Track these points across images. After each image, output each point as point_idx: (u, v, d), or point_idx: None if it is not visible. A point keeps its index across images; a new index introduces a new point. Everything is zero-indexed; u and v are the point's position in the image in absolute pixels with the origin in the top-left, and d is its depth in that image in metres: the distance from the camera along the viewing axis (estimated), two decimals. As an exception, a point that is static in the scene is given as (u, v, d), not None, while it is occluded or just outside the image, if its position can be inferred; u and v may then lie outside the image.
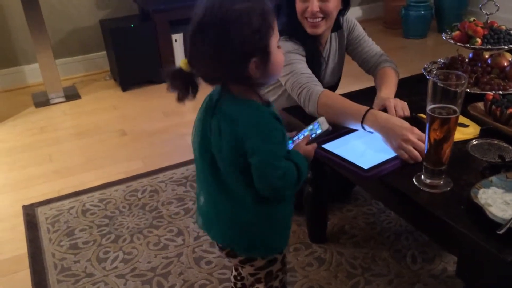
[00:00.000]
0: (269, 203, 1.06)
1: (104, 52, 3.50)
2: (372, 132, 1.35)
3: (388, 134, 1.28)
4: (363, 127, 1.36)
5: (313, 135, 1.13)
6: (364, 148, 1.31)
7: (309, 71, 1.57)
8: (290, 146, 1.13)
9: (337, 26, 1.70)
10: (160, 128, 2.71)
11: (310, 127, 1.16)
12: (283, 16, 1.63)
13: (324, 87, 1.56)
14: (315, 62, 1.64)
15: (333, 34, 1.72)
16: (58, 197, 2.15)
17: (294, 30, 1.60)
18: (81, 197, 2.14)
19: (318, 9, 1.54)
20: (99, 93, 3.30)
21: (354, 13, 4.46)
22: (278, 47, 1.01)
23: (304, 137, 1.14)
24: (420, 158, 1.21)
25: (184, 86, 1.00)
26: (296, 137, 1.17)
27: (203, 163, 1.09)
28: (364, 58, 1.74)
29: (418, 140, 1.23)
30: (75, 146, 2.64)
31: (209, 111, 1.05)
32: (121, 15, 3.45)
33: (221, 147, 1.01)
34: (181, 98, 1.02)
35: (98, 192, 2.16)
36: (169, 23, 3.25)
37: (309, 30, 1.59)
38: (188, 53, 0.99)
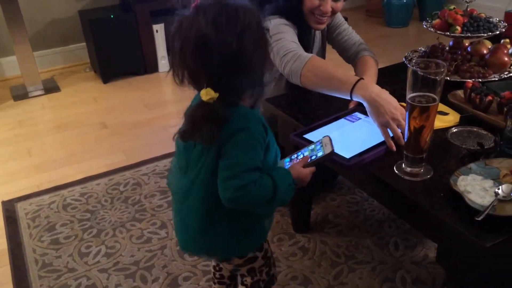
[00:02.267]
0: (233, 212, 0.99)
1: (84, 44, 3.43)
2: (355, 119, 1.34)
3: (378, 108, 1.24)
4: (350, 96, 1.32)
5: (313, 157, 1.04)
6: (345, 138, 1.31)
7: (298, 43, 1.52)
8: (287, 165, 1.06)
9: None
10: (142, 120, 2.68)
11: (312, 146, 1.08)
12: (281, 1, 1.59)
13: None
14: (305, 44, 1.61)
15: None
16: (38, 192, 2.11)
17: (294, 17, 1.57)
18: (61, 191, 2.11)
19: (331, 9, 1.54)
20: (79, 85, 3.25)
21: (336, 2, 4.45)
22: None
23: (303, 158, 1.06)
24: (403, 141, 1.19)
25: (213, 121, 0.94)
26: (295, 155, 1.09)
27: (180, 164, 1.06)
28: (344, 46, 1.74)
29: (402, 121, 1.21)
30: (55, 140, 2.59)
31: None
32: (101, 5, 3.39)
33: (201, 148, 0.98)
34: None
35: (79, 186, 2.13)
36: (150, 13, 3.20)
37: (314, 25, 1.59)
38: (207, 80, 0.92)
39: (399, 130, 1.23)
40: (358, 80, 1.31)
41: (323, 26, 1.62)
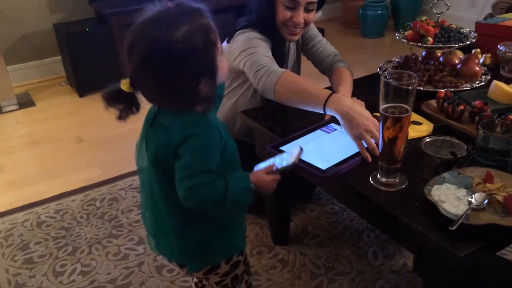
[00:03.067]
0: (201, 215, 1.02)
1: (59, 57, 3.38)
2: (331, 130, 1.35)
3: (351, 121, 1.25)
4: (324, 111, 1.33)
5: (279, 166, 1.05)
6: (320, 149, 1.31)
7: (271, 57, 1.52)
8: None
9: None
10: (119, 134, 2.64)
11: (283, 155, 1.08)
12: (254, 14, 1.60)
13: None
14: (279, 57, 1.61)
15: None
16: (11, 210, 2.06)
17: (267, 30, 1.57)
18: (35, 208, 2.05)
19: (303, 21, 1.55)
20: (54, 99, 3.20)
21: (313, 14, 4.50)
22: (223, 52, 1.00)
23: (268, 166, 1.06)
24: (377, 151, 1.20)
25: (126, 106, 0.98)
26: (264, 164, 1.09)
27: (143, 177, 1.07)
28: (319, 58, 1.75)
29: (376, 132, 1.22)
30: (29, 155, 2.54)
31: (148, 124, 1.03)
32: (76, 18, 3.35)
33: (153, 156, 0.99)
34: (123, 117, 1.00)
35: (54, 203, 2.08)
36: (125, 26, 3.17)
37: (288, 37, 1.59)
38: (130, 77, 0.95)
39: (373, 141, 1.24)
40: (331, 94, 1.32)
41: (297, 38, 1.62)
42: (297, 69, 1.82)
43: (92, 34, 3.11)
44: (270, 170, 1.05)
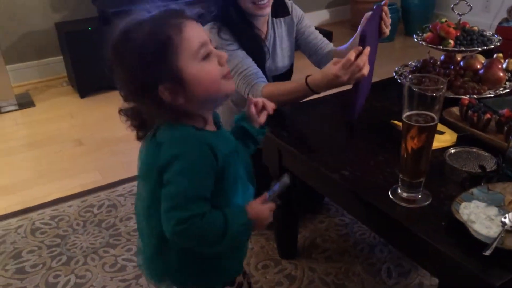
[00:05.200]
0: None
1: (61, 57, 3.30)
2: None
3: (333, 86, 1.35)
4: (312, 91, 1.42)
5: (270, 194, 0.92)
6: None
7: (241, 64, 1.52)
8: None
9: (283, 12, 1.68)
10: (120, 137, 2.54)
11: (275, 186, 0.94)
12: (214, 6, 1.56)
13: (277, 73, 1.68)
14: (257, 49, 1.59)
15: (277, 19, 1.68)
16: (5, 215, 1.96)
17: (230, 19, 1.54)
18: (30, 214, 1.96)
19: None
20: (55, 100, 3.10)
21: (321, 16, 4.41)
22: (207, 55, 0.86)
23: (261, 196, 0.92)
24: (364, 72, 1.28)
25: (140, 124, 0.92)
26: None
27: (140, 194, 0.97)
28: (316, 49, 1.73)
29: (353, 68, 1.28)
30: (27, 158, 2.44)
31: (148, 137, 0.94)
32: (79, 17, 3.26)
33: (141, 172, 0.91)
34: (139, 138, 0.94)
35: (50, 209, 1.99)
36: (129, 25, 3.08)
37: (258, 12, 1.54)
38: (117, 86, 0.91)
39: (356, 74, 1.28)
40: (306, 82, 1.40)
41: (269, 9, 1.55)
42: (289, 56, 1.74)
43: (95, 34, 3.01)
44: (264, 200, 0.91)
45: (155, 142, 0.89)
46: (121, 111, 0.92)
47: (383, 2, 1.44)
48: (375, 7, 1.40)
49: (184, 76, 0.84)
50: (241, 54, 1.53)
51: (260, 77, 1.53)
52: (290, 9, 1.70)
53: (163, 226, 0.83)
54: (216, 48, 0.94)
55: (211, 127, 0.94)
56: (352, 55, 1.27)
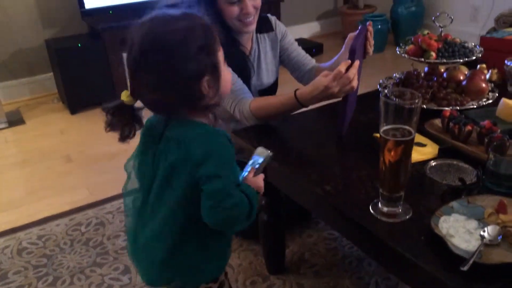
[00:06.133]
0: (202, 236, 0.98)
1: (51, 74, 3.30)
2: None
3: (327, 98, 1.34)
4: (301, 105, 1.41)
5: (257, 166, 1.04)
6: None
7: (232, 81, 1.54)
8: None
9: (267, 28, 1.70)
10: (109, 153, 2.53)
11: (251, 161, 1.06)
12: None
13: (262, 88, 1.69)
14: (242, 66, 1.60)
15: (261, 35, 1.70)
16: (-8, 235, 1.95)
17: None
18: (17, 234, 1.94)
19: (253, 8, 1.52)
20: (45, 117, 3.10)
21: (312, 28, 4.43)
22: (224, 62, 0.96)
23: (250, 170, 1.03)
24: (353, 84, 1.30)
25: (128, 121, 0.93)
26: (242, 174, 1.05)
27: (144, 196, 1.00)
28: (299, 65, 1.74)
29: (343, 80, 1.28)
30: (16, 176, 2.43)
31: (155, 139, 0.96)
32: (69, 34, 3.27)
33: (166, 173, 0.93)
34: (125, 137, 0.95)
35: (37, 228, 1.97)
36: (119, 41, 3.09)
37: (245, 29, 1.56)
38: (130, 84, 0.92)
39: (346, 86, 1.29)
40: (296, 96, 1.39)
41: (254, 26, 1.58)
42: (273, 72, 1.75)
43: (85, 50, 3.03)
44: (253, 173, 1.02)
45: (173, 142, 0.92)
46: (104, 108, 0.93)
47: (368, 23, 1.45)
48: (360, 27, 1.41)
49: (220, 69, 0.93)
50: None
51: (246, 92, 1.54)
52: (273, 25, 1.72)
53: (211, 220, 0.90)
54: None
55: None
56: (342, 67, 1.29)
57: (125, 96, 0.92)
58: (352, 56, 1.30)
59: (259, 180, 1.03)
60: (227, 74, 0.98)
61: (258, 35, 1.69)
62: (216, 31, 0.94)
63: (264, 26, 1.68)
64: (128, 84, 0.93)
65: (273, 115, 1.47)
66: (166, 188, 0.94)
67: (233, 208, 0.91)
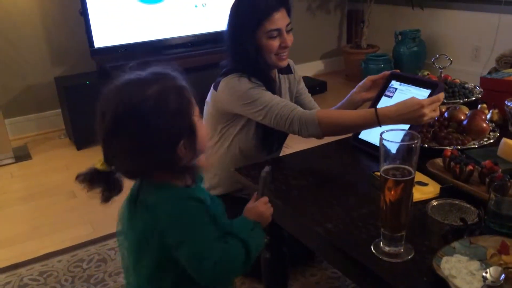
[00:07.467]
0: None
1: (59, 110, 3.37)
2: (392, 91, 1.56)
3: (409, 120, 1.37)
4: (380, 125, 1.41)
5: (258, 191, 1.05)
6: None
7: (279, 98, 1.57)
8: None
9: (287, 70, 1.76)
10: (114, 189, 2.54)
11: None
12: (236, 55, 1.60)
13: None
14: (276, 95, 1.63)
15: (282, 76, 1.76)
16: (-6, 271, 1.94)
17: (253, 71, 1.58)
18: (19, 270, 1.93)
19: (290, 42, 1.59)
20: (52, 152, 3.14)
21: (316, 67, 4.52)
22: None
23: (253, 196, 1.04)
24: (438, 114, 1.39)
25: (105, 186, 0.92)
26: None
27: (125, 253, 1.00)
28: (305, 108, 1.73)
29: (435, 106, 1.36)
30: (20, 211, 2.44)
31: (132, 200, 0.96)
32: (78, 71, 3.36)
33: (140, 238, 0.92)
34: (106, 199, 0.93)
35: (39, 264, 1.96)
36: (127, 79, 3.16)
37: (280, 63, 1.63)
38: (103, 152, 0.91)
39: (437, 110, 1.37)
40: (376, 113, 1.39)
41: (287, 61, 1.65)
42: None
43: (92, 88, 3.09)
44: (255, 199, 1.02)
45: (144, 207, 0.91)
46: (79, 177, 0.92)
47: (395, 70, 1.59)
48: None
49: (196, 130, 0.91)
50: (264, 89, 1.57)
51: (296, 105, 1.55)
52: (293, 69, 1.80)
53: (201, 282, 0.90)
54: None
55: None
56: (442, 95, 1.38)
57: (99, 164, 0.91)
58: (437, 90, 1.41)
59: (260, 205, 1.01)
60: (203, 130, 0.95)
61: (280, 75, 1.75)
62: (188, 92, 0.92)
63: (285, 68, 1.74)
64: (104, 150, 0.92)
65: (339, 125, 1.47)
66: (144, 252, 0.94)
67: (216, 266, 0.88)
